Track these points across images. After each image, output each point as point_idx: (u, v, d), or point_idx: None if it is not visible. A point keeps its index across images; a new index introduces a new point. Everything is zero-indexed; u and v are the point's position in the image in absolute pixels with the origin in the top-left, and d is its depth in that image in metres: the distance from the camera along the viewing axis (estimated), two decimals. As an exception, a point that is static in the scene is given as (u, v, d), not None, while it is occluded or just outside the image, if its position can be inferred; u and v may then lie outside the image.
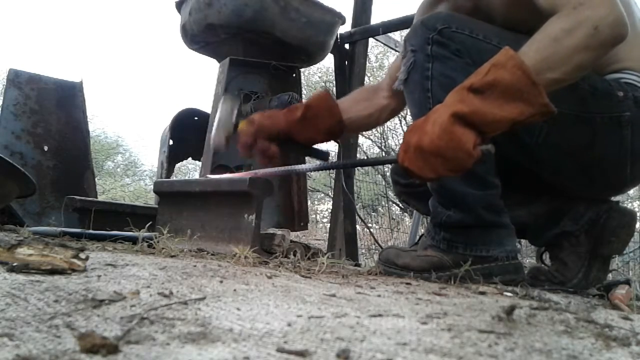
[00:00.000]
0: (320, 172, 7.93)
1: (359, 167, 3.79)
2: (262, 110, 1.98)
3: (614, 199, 1.31)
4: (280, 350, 0.48)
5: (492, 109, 0.94)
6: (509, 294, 0.98)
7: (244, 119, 1.33)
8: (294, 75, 2.20)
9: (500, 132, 0.96)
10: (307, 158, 1.52)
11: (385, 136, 7.56)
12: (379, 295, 0.85)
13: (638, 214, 1.30)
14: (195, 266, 0.97)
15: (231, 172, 1.95)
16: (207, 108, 2.20)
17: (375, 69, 9.38)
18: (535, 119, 0.95)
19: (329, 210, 3.31)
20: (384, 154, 7.49)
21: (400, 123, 7.42)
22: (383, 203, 7.55)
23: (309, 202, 2.29)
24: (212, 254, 1.26)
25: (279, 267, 1.17)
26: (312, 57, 2.30)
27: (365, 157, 7.22)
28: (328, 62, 2.84)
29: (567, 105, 1.10)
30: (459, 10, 1.25)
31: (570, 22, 0.96)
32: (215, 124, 1.34)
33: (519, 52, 0.96)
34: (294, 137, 1.33)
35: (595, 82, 1.13)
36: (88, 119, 2.45)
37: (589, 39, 0.95)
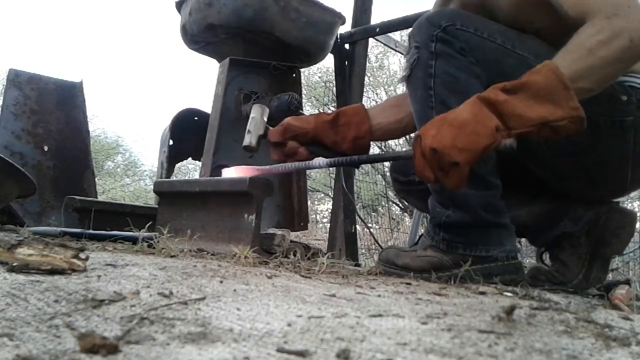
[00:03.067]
0: (320, 172, 7.93)
1: (359, 167, 3.79)
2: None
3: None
4: (280, 350, 0.48)
5: (521, 105, 0.94)
6: (509, 294, 0.98)
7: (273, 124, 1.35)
8: (294, 75, 2.20)
9: (526, 130, 0.95)
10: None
11: (385, 136, 7.54)
12: (379, 296, 0.85)
13: (638, 214, 1.30)
14: (195, 266, 0.97)
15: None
16: (207, 108, 2.20)
17: (375, 69, 9.38)
18: (564, 124, 0.95)
19: (329, 210, 3.32)
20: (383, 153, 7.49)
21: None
22: (383, 203, 7.55)
23: (309, 202, 2.30)
24: (212, 254, 1.26)
25: (279, 267, 1.17)
26: (312, 57, 2.30)
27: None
28: (328, 62, 2.84)
29: None
30: (467, 8, 1.25)
31: (605, 33, 0.95)
32: (247, 127, 1.34)
33: (554, 61, 0.97)
34: (321, 139, 1.33)
35: None
36: (88, 119, 2.45)
37: (625, 52, 0.95)
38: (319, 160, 1.26)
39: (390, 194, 7.75)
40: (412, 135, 1.23)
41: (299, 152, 1.32)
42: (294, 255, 1.37)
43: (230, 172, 1.39)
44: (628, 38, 0.94)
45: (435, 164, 0.96)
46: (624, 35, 0.94)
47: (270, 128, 1.34)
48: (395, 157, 1.41)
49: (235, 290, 0.76)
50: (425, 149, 0.97)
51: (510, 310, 0.66)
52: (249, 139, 1.33)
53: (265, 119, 1.36)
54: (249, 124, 1.35)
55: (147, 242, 1.27)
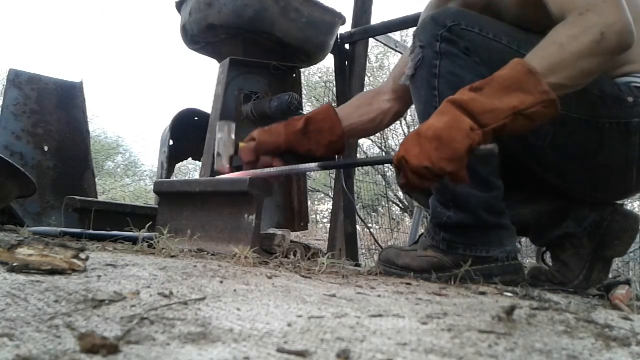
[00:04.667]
0: (321, 172, 7.93)
1: (359, 167, 3.79)
2: (262, 111, 1.99)
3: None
4: (280, 350, 0.48)
5: (490, 99, 0.94)
6: (509, 294, 0.98)
7: (241, 140, 1.34)
8: (294, 75, 2.20)
9: (500, 124, 0.94)
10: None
11: (385, 136, 7.55)
12: (379, 295, 0.85)
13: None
14: (195, 266, 0.97)
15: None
16: (207, 108, 2.20)
17: (375, 69, 9.38)
18: (537, 109, 0.94)
19: (329, 210, 3.31)
20: (383, 154, 7.49)
21: (400, 123, 7.41)
22: (383, 203, 7.55)
23: (309, 202, 2.29)
24: (212, 254, 1.26)
25: (279, 267, 1.17)
26: (312, 57, 2.30)
27: (365, 157, 7.23)
28: (328, 62, 2.84)
29: (575, 109, 1.10)
30: (470, 7, 1.24)
31: (576, 28, 0.96)
32: (215, 149, 1.33)
33: (526, 57, 0.97)
34: (295, 149, 1.31)
35: (605, 86, 1.12)
36: (88, 119, 2.45)
37: (595, 45, 0.95)
38: (306, 164, 1.25)
39: (390, 194, 7.75)
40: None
41: (273, 164, 1.30)
42: (294, 255, 1.37)
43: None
44: (598, 32, 0.94)
45: (432, 177, 0.97)
46: (593, 29, 0.94)
47: (241, 144, 1.31)
48: (382, 161, 1.41)
49: (235, 290, 0.76)
50: (416, 169, 0.97)
51: (510, 310, 0.66)
52: (221, 162, 1.31)
53: (233, 137, 1.34)
54: (216, 145, 1.33)
55: (147, 242, 1.27)
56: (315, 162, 1.26)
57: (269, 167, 1.30)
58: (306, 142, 1.31)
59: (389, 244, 4.89)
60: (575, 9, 0.97)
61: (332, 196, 3.13)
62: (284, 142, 1.30)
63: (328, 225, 3.21)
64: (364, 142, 7.93)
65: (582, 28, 0.95)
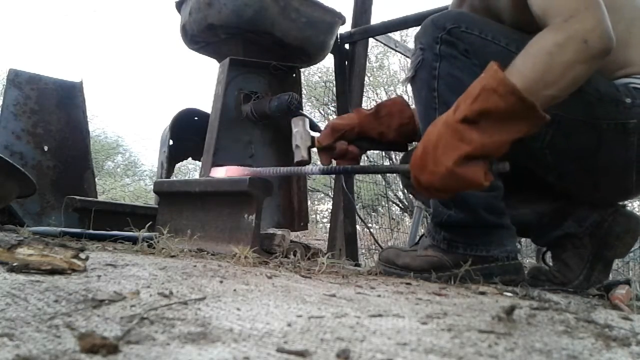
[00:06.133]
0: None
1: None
2: (262, 111, 1.98)
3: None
4: (280, 350, 0.48)
5: (492, 137, 0.95)
6: (509, 294, 0.98)
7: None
8: (294, 75, 2.19)
9: (505, 151, 0.97)
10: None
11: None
12: (379, 295, 0.85)
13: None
14: (195, 266, 0.97)
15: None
16: (207, 108, 2.19)
17: (375, 69, 9.37)
18: (533, 130, 0.97)
19: (329, 210, 3.31)
20: (384, 154, 7.49)
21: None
22: (383, 203, 7.55)
23: (309, 202, 2.29)
24: (212, 254, 1.26)
25: (279, 267, 1.17)
26: (312, 57, 2.30)
27: (366, 157, 7.23)
28: (328, 62, 2.84)
29: (573, 111, 1.10)
30: (476, 10, 1.25)
31: (561, 36, 0.96)
32: (293, 141, 1.35)
33: (514, 68, 0.96)
34: (367, 132, 1.33)
35: (603, 87, 1.12)
36: (88, 119, 2.44)
37: (580, 53, 0.95)
38: (312, 167, 1.26)
39: (390, 194, 7.75)
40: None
41: (350, 151, 1.32)
42: (294, 255, 1.37)
43: (220, 172, 1.38)
44: (581, 40, 0.94)
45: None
46: (577, 37, 0.94)
47: (316, 135, 1.34)
48: (391, 170, 1.41)
49: (235, 290, 0.76)
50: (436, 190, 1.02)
51: (510, 310, 0.66)
52: (301, 154, 1.32)
53: (309, 129, 1.36)
54: (294, 138, 1.35)
55: (147, 242, 1.27)
56: (388, 147, 1.32)
57: (345, 153, 1.32)
58: (378, 125, 1.34)
59: (389, 244, 4.89)
60: (559, 15, 0.97)
61: (332, 196, 3.13)
62: (358, 125, 1.32)
63: (328, 225, 3.21)
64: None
65: (567, 36, 0.95)
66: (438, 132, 0.98)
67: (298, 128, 1.35)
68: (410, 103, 1.37)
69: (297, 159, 1.32)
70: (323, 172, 1.27)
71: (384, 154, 7.22)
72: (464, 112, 0.95)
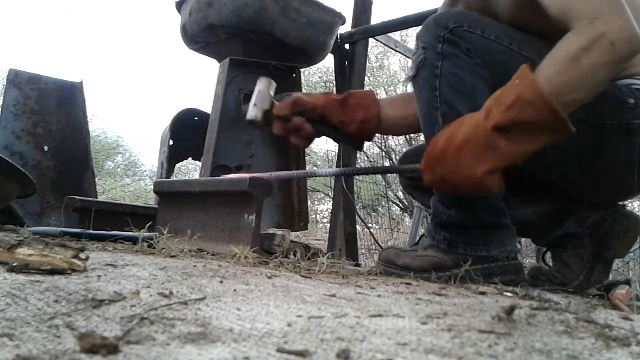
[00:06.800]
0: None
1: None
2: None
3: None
4: (280, 350, 0.48)
5: (520, 146, 0.98)
6: (509, 294, 0.98)
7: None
8: (294, 75, 2.20)
9: (525, 159, 1.01)
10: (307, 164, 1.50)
11: (385, 136, 7.55)
12: (379, 295, 0.85)
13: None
14: (195, 266, 0.97)
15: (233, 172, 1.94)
16: (207, 108, 2.20)
17: (375, 69, 9.38)
18: (556, 140, 1.00)
19: (329, 210, 3.31)
20: (384, 154, 7.48)
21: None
22: (383, 203, 7.55)
23: (309, 202, 2.29)
24: (212, 254, 1.26)
25: (279, 267, 1.17)
26: (312, 57, 2.30)
27: (366, 157, 7.22)
28: (328, 62, 2.84)
29: (576, 111, 1.10)
30: (472, 9, 1.25)
31: (587, 39, 0.95)
32: (252, 99, 1.30)
33: (541, 72, 0.96)
34: (329, 117, 1.33)
35: (606, 87, 1.12)
36: (88, 119, 2.44)
37: (607, 56, 0.95)
38: (325, 170, 1.26)
39: (390, 194, 7.75)
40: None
41: (304, 127, 1.30)
42: (294, 255, 1.37)
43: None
44: (608, 42, 0.94)
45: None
46: (604, 40, 0.94)
47: (276, 102, 1.31)
48: (403, 170, 1.40)
49: (235, 290, 0.76)
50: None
51: (510, 310, 0.66)
52: (254, 113, 1.27)
53: (272, 93, 1.32)
54: (254, 96, 1.30)
55: (147, 242, 1.27)
56: (344, 138, 1.29)
57: (299, 129, 1.30)
58: (341, 113, 1.33)
59: (389, 244, 4.89)
60: (583, 17, 0.96)
61: (332, 196, 3.13)
62: (322, 107, 1.32)
63: (328, 225, 3.21)
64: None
65: (593, 39, 0.95)
66: (465, 133, 1.00)
67: (261, 87, 1.31)
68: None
69: (249, 117, 1.28)
70: (335, 174, 1.26)
71: (384, 154, 7.21)
72: (497, 119, 0.97)
